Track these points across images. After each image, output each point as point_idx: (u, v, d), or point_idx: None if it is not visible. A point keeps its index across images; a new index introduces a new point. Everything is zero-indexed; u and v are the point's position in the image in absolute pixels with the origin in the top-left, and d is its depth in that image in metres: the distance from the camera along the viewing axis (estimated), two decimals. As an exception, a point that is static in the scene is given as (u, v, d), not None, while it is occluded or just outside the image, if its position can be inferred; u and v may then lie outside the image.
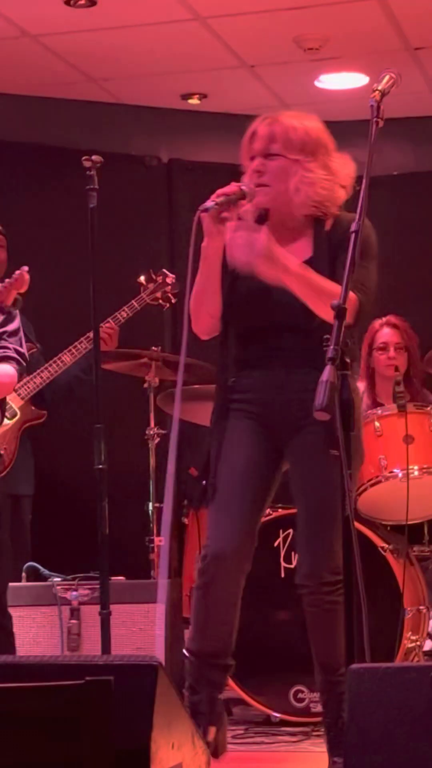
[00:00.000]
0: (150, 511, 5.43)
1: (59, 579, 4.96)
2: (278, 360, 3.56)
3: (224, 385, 3.63)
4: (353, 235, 3.04)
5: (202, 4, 5.47)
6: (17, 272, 3.81)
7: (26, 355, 4.09)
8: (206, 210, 3.41)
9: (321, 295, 3.39)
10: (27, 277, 3.80)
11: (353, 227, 3.05)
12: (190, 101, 6.60)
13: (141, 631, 4.80)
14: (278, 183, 3.52)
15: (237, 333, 3.58)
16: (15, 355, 4.00)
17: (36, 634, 4.59)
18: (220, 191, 3.45)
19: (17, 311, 4.02)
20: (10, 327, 4.04)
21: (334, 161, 3.60)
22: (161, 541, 5.41)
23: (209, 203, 3.42)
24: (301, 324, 3.54)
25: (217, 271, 3.52)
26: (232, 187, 3.47)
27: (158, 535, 5.38)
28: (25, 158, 6.32)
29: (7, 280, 3.80)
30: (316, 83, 6.47)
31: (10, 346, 4.00)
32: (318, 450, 3.47)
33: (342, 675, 3.54)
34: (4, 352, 3.99)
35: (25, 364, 4.05)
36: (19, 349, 4.03)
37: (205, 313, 3.58)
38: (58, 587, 4.88)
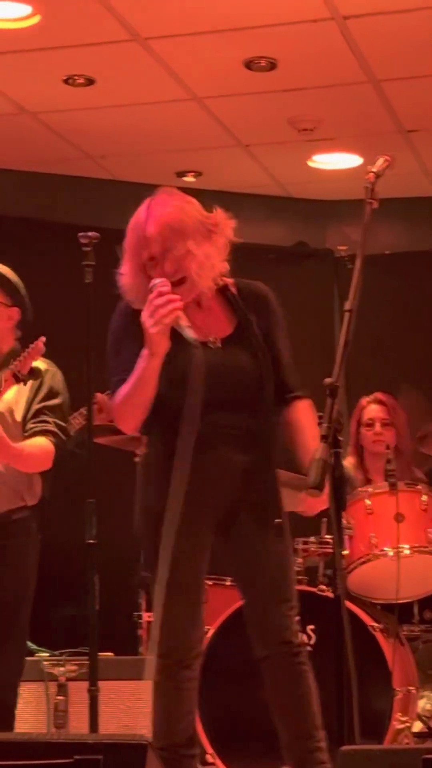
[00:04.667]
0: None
1: (46, 654, 4.92)
2: (220, 440, 3.46)
3: (159, 466, 3.51)
4: (347, 315, 3.06)
5: (199, 84, 5.55)
6: (35, 342, 3.85)
7: (68, 429, 4.10)
8: (182, 327, 3.32)
9: None
10: (42, 347, 3.84)
11: (347, 306, 3.06)
12: (185, 179, 6.67)
13: (128, 708, 4.75)
14: (195, 277, 3.43)
15: (173, 413, 3.41)
16: (54, 429, 4.01)
17: (22, 711, 4.53)
18: (166, 308, 3.31)
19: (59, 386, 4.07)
20: (52, 402, 4.06)
21: (214, 231, 3.52)
22: (150, 617, 5.38)
23: (186, 325, 3.33)
24: (245, 402, 3.50)
25: (158, 370, 3.37)
26: (174, 302, 3.34)
27: (147, 610, 5.34)
28: (21, 233, 6.37)
29: (26, 350, 3.84)
30: (310, 163, 6.54)
31: (50, 419, 4.01)
32: (261, 524, 3.48)
33: (320, 741, 3.48)
34: (43, 426, 4.00)
35: (65, 437, 4.05)
36: (61, 423, 4.04)
37: (140, 413, 3.44)
38: (45, 663, 4.84)
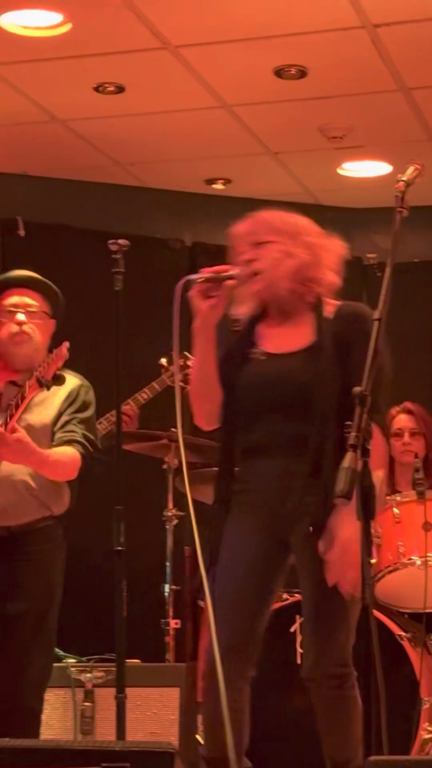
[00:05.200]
0: (166, 594, 5.39)
1: (74, 660, 4.92)
2: (280, 448, 3.47)
3: (227, 473, 3.56)
4: (376, 323, 3.05)
5: (228, 92, 5.56)
6: (58, 347, 3.84)
7: (96, 442, 4.10)
8: (190, 281, 3.41)
9: None
10: (65, 352, 3.83)
11: (376, 315, 3.05)
12: (215, 186, 6.68)
13: (155, 715, 4.75)
14: (270, 268, 3.51)
15: (237, 418, 3.51)
16: (81, 440, 4.01)
17: (49, 717, 4.54)
18: (207, 269, 3.46)
19: (91, 400, 4.09)
20: (82, 414, 4.07)
21: (317, 243, 3.58)
22: (177, 624, 5.37)
23: (195, 275, 3.42)
24: (303, 410, 3.49)
25: (212, 352, 3.49)
26: (220, 267, 3.47)
27: (174, 617, 5.34)
28: (51, 240, 6.39)
29: (49, 355, 3.84)
30: (340, 171, 6.54)
31: (79, 430, 4.02)
32: (317, 535, 3.41)
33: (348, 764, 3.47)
34: (71, 435, 4.00)
35: (92, 449, 4.05)
36: (88, 435, 4.04)
37: (205, 400, 3.52)
38: (73, 669, 4.84)
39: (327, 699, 3.46)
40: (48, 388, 3.88)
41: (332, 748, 3.50)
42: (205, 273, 3.44)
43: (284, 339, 3.55)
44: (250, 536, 3.46)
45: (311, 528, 3.42)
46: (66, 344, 3.84)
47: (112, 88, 5.49)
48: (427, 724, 4.62)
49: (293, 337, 3.55)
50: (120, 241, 4.15)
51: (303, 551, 3.50)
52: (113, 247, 4.15)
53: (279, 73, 5.30)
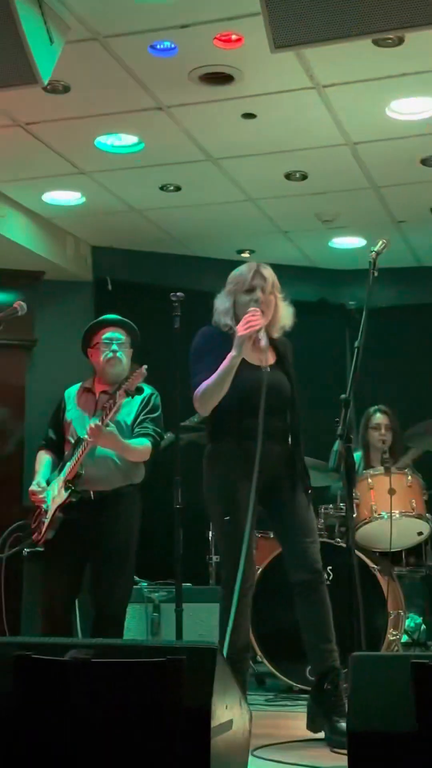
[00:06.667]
0: (210, 537, 5.37)
1: (146, 583, 4.92)
2: (263, 434, 3.38)
3: (226, 449, 3.52)
4: (357, 350, 3.07)
5: (252, 190, 5.55)
6: (140, 368, 3.85)
7: (163, 434, 4.10)
8: (259, 339, 3.43)
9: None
10: (144, 372, 3.84)
11: (357, 344, 3.06)
12: (243, 255, 6.66)
13: (203, 622, 4.74)
14: (270, 314, 3.55)
15: (234, 411, 3.49)
16: (153, 433, 4.01)
17: (129, 623, 4.54)
18: (256, 322, 3.45)
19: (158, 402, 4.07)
20: (153, 415, 4.07)
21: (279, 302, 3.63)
22: (217, 558, 5.35)
23: (260, 332, 3.44)
24: (280, 408, 3.53)
25: (233, 374, 3.48)
26: (260, 320, 3.47)
27: (215, 553, 5.32)
28: (130, 293, 6.40)
29: (133, 373, 3.85)
30: (330, 244, 6.52)
31: (150, 426, 4.02)
32: (296, 492, 3.50)
33: (334, 644, 3.41)
34: (145, 430, 4.01)
35: (160, 440, 4.05)
36: (158, 429, 4.04)
37: (215, 401, 3.50)
38: (145, 589, 4.84)
39: (316, 592, 3.43)
40: (132, 397, 3.91)
41: (318, 631, 3.41)
42: (258, 327, 3.44)
43: (260, 356, 3.51)
44: (245, 499, 3.34)
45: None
46: (145, 366, 3.87)
47: (172, 188, 5.50)
48: (392, 630, 4.59)
49: (265, 355, 3.52)
50: (178, 294, 4.18)
51: (284, 500, 3.51)
52: (173, 298, 4.18)
53: (288, 176, 5.30)
